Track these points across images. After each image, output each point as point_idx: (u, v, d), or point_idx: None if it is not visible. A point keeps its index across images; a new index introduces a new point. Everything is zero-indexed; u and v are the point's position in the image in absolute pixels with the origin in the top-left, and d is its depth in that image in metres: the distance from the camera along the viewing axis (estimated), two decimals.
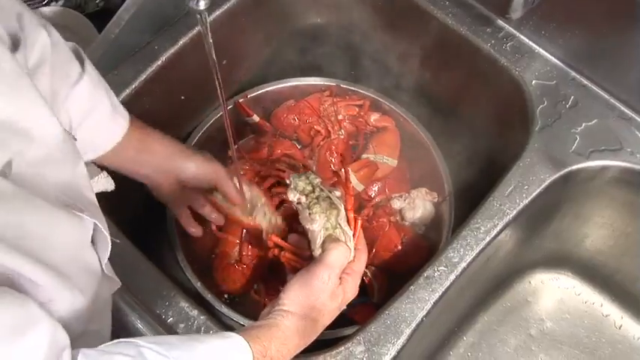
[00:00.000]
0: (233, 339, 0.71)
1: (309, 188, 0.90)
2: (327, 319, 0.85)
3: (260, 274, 1.18)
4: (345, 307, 0.88)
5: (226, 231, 1.18)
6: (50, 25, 0.80)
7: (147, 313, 0.92)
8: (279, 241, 0.94)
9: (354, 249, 0.89)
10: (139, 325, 0.92)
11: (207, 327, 0.91)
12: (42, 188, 0.62)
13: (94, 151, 0.93)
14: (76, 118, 0.87)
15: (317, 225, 0.87)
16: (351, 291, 0.87)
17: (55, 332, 0.57)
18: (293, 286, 0.82)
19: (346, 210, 0.90)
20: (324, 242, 0.88)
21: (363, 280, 1.14)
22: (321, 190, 0.90)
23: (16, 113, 0.60)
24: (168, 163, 1.02)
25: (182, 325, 0.91)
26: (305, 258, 0.92)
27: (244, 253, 1.17)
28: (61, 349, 0.57)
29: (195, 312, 0.92)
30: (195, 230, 1.12)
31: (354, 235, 0.90)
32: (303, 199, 0.89)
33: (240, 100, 1.31)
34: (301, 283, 0.82)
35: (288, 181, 0.92)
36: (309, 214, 0.88)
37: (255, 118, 1.33)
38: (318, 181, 0.91)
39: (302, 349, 0.81)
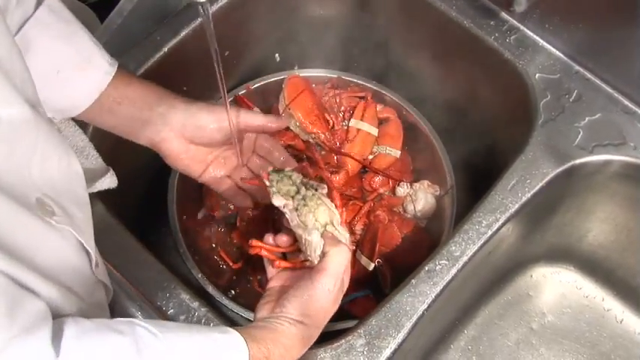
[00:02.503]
0: (231, 335, 0.69)
1: (294, 189, 0.86)
2: (327, 321, 0.82)
3: None
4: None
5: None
6: None
7: (147, 304, 0.92)
8: (262, 245, 0.87)
9: None
10: (140, 317, 0.92)
11: (207, 319, 0.91)
12: (20, 189, 0.59)
13: (66, 112, 0.84)
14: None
15: (315, 236, 0.83)
16: (346, 286, 0.84)
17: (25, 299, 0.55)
18: (299, 297, 0.78)
19: (335, 205, 0.86)
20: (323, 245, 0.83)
21: (371, 272, 1.16)
22: (306, 188, 0.86)
23: None
24: (172, 119, 0.88)
25: (183, 317, 0.91)
26: (297, 261, 0.88)
27: None
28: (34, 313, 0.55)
29: (196, 304, 0.92)
30: (244, 201, 1.01)
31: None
32: (290, 203, 0.85)
33: (242, 93, 1.31)
34: (307, 296, 0.78)
35: (267, 183, 0.87)
36: (299, 215, 0.84)
37: (256, 110, 1.33)
38: (300, 179, 0.87)
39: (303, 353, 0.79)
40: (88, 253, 0.71)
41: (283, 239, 0.88)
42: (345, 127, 1.32)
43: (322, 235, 0.83)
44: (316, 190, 0.86)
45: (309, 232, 0.82)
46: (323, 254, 0.82)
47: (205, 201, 1.25)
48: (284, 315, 0.77)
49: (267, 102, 1.35)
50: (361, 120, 1.31)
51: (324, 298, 0.78)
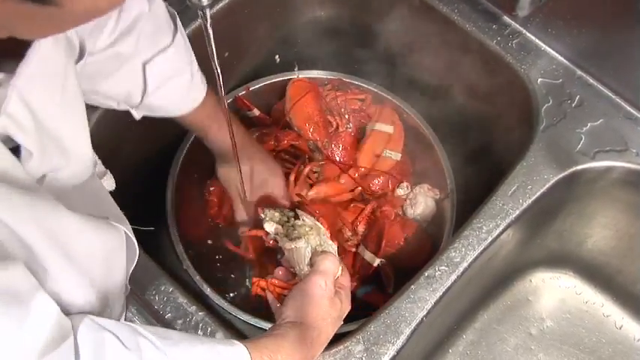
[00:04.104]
0: (236, 347, 0.70)
1: (285, 219, 0.95)
2: (331, 328, 0.84)
3: None
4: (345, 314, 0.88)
5: None
6: None
7: (145, 308, 0.92)
8: (264, 285, 0.96)
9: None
10: (137, 320, 0.92)
11: (205, 323, 0.91)
12: (70, 203, 0.63)
13: (165, 113, 0.98)
14: (152, 85, 0.90)
15: (301, 242, 0.90)
16: (346, 303, 0.87)
17: (60, 314, 0.58)
18: (294, 299, 0.82)
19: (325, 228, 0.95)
20: (311, 258, 0.90)
21: (374, 271, 1.16)
22: (295, 218, 0.95)
23: (64, 131, 0.61)
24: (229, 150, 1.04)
25: (180, 322, 0.90)
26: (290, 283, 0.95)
27: None
28: (67, 331, 0.58)
29: (193, 308, 0.92)
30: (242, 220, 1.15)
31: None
32: (280, 228, 0.94)
33: (242, 94, 1.30)
34: (301, 295, 0.82)
35: (262, 215, 0.97)
36: (290, 239, 0.91)
37: (255, 112, 1.32)
38: (292, 214, 0.97)
39: (313, 356, 0.81)
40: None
41: (279, 273, 0.96)
42: (349, 130, 1.31)
43: (313, 253, 0.90)
44: (305, 219, 0.95)
45: (296, 242, 0.90)
46: (312, 264, 0.89)
47: (208, 210, 1.25)
48: (283, 320, 0.80)
49: (267, 103, 1.35)
50: (376, 122, 1.31)
51: (319, 296, 0.82)
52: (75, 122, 0.64)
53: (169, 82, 0.92)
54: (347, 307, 0.88)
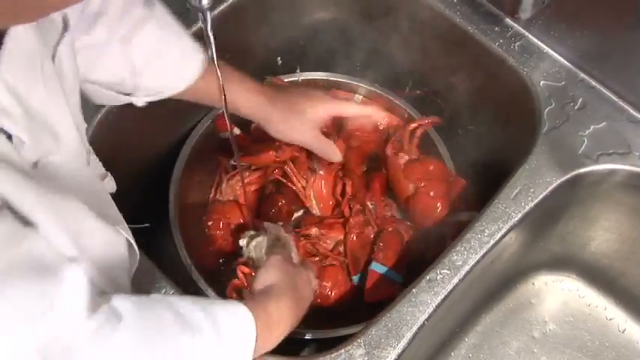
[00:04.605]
0: (238, 307, 0.72)
1: (263, 241, 1.01)
2: (306, 289, 0.90)
3: None
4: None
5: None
6: None
7: None
8: (238, 282, 1.01)
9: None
10: None
11: None
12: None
13: (165, 92, 0.94)
14: (139, 63, 0.87)
15: (260, 237, 1.01)
16: (312, 273, 0.95)
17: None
18: (260, 275, 0.86)
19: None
20: (270, 247, 0.99)
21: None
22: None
23: (51, 113, 0.61)
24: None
25: None
26: None
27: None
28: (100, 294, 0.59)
29: None
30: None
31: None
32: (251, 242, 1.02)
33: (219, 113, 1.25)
34: (265, 269, 0.87)
35: (241, 244, 1.03)
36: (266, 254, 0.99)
37: (236, 130, 1.27)
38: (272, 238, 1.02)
39: (298, 315, 0.84)
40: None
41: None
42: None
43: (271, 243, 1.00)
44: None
45: (256, 238, 1.01)
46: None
47: (212, 246, 1.23)
48: (257, 274, 0.86)
49: None
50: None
51: (279, 263, 0.88)
52: (59, 104, 0.64)
53: (157, 59, 0.89)
54: (314, 277, 0.95)
